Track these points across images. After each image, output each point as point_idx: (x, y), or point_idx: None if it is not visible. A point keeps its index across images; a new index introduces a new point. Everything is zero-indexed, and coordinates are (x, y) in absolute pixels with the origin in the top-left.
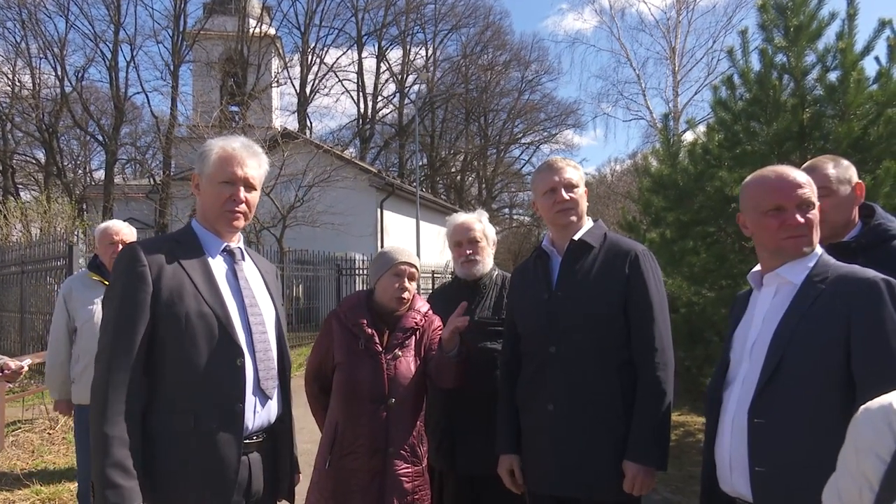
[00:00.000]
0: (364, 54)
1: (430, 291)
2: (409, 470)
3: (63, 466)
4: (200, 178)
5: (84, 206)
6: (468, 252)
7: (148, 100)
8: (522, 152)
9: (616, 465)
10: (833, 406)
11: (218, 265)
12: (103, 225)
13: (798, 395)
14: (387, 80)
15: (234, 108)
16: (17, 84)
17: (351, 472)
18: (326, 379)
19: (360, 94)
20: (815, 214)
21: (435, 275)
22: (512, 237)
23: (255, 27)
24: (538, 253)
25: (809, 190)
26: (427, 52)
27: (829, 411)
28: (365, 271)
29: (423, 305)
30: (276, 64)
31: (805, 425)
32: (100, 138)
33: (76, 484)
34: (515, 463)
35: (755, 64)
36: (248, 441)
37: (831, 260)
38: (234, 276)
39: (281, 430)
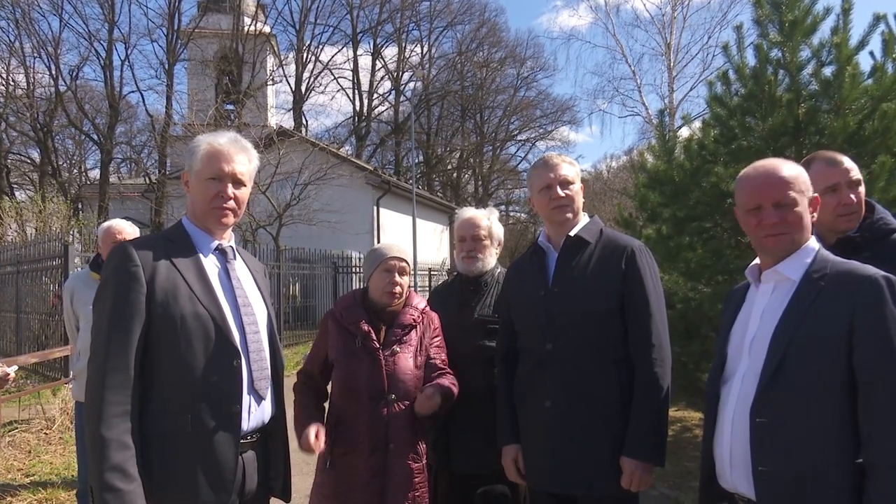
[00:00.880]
0: (359, 52)
1: (427, 289)
2: (410, 466)
3: (60, 466)
4: (189, 175)
5: (79, 206)
6: (469, 249)
7: (143, 98)
8: (518, 149)
9: (614, 461)
10: (835, 405)
11: (210, 264)
12: (106, 224)
13: (800, 395)
14: (382, 78)
15: (230, 107)
16: (12, 83)
17: (352, 470)
18: (324, 379)
19: (356, 91)
20: (797, 212)
21: (432, 272)
22: (508, 234)
23: (249, 25)
24: (534, 249)
25: (791, 188)
26: (422, 50)
27: (831, 410)
28: (362, 269)
29: (420, 302)
30: (271, 62)
31: (807, 425)
32: (95, 137)
33: (75, 484)
34: (519, 454)
35: (750, 59)
36: (242, 441)
37: (830, 255)
38: (226, 275)
39: (274, 430)
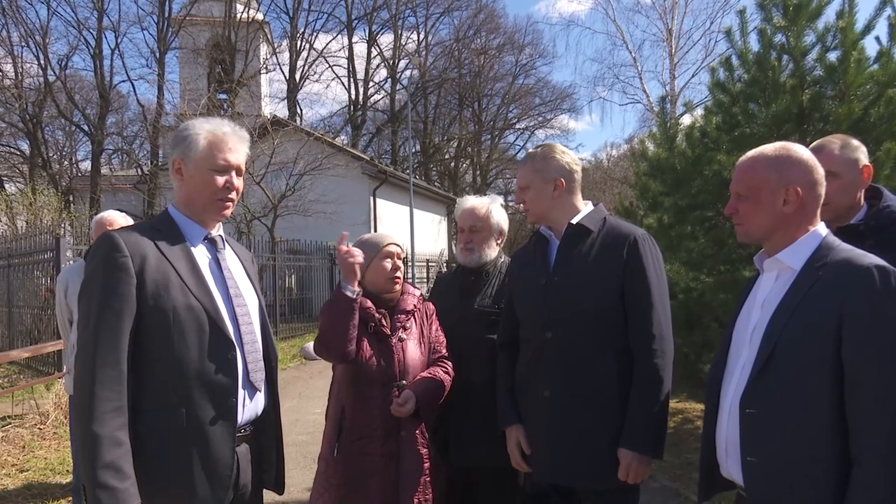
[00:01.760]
0: (354, 39)
1: (426, 281)
2: (421, 452)
3: (55, 461)
4: (184, 164)
5: (71, 198)
6: (467, 241)
7: (134, 88)
8: (517, 138)
9: (612, 453)
10: (824, 397)
11: (200, 254)
12: (98, 216)
13: (790, 386)
14: (378, 66)
15: (223, 96)
16: (0, 73)
17: (365, 457)
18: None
19: (351, 80)
20: (745, 207)
21: (430, 263)
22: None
23: (242, 12)
24: (537, 237)
25: (752, 178)
26: (419, 37)
27: (820, 403)
28: None
29: (415, 290)
30: (264, 50)
31: (796, 416)
32: (85, 128)
33: (69, 479)
34: (521, 434)
35: (754, 44)
36: (237, 434)
37: (835, 242)
38: (217, 265)
39: (267, 422)
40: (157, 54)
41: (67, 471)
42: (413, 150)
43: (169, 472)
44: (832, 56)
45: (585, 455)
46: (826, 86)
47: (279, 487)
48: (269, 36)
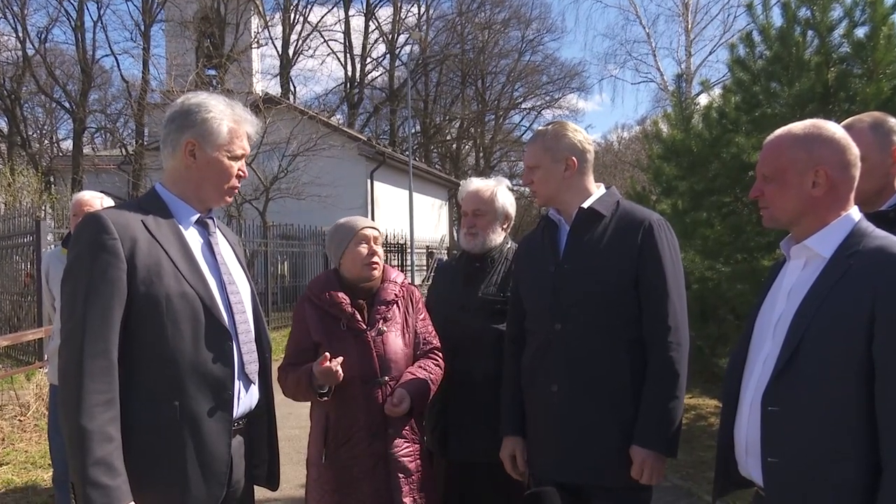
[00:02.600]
0: (351, 12)
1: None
2: (411, 449)
3: (36, 454)
4: (200, 147)
5: (51, 179)
6: (470, 225)
7: (118, 63)
8: (523, 118)
9: (623, 450)
10: (852, 396)
11: (192, 238)
12: (76, 196)
13: (815, 383)
14: (376, 41)
15: (212, 72)
16: None
17: (352, 461)
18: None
19: (348, 55)
20: (770, 189)
21: (430, 250)
22: None
23: None
24: (545, 222)
25: (778, 158)
26: (419, 10)
27: (847, 402)
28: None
29: (397, 276)
30: (255, 23)
31: (821, 415)
32: (66, 105)
33: (51, 472)
34: (518, 447)
35: (776, 19)
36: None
37: (869, 228)
38: (209, 250)
39: (259, 415)
40: (142, 27)
41: (49, 464)
42: (413, 130)
43: (161, 468)
44: (860, 32)
45: (594, 452)
46: (853, 63)
47: (272, 483)
48: (260, 8)
